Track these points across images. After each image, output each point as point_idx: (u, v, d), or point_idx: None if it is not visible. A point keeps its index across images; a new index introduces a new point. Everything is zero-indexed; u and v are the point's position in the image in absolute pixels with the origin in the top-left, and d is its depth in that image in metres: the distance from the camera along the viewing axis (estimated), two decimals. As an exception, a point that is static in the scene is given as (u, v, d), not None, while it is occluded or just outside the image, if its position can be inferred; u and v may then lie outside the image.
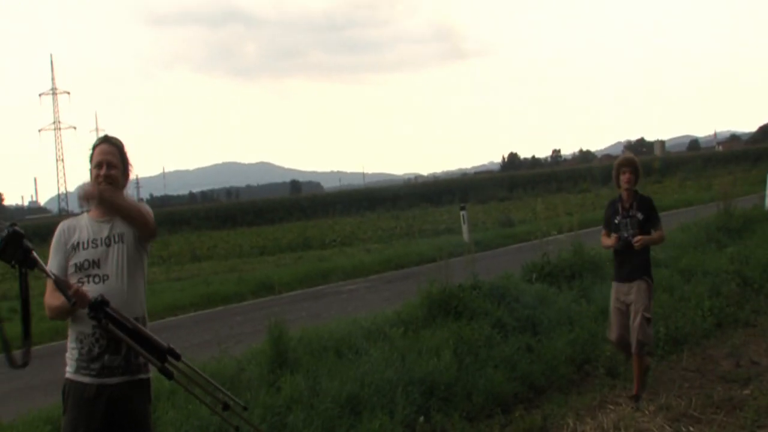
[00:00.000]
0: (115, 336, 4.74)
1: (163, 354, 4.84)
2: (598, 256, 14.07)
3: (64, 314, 4.84)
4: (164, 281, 27.11)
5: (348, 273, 23.81)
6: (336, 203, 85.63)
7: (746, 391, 8.66)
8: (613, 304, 9.02)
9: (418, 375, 8.44)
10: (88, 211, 5.13)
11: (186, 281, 26.00)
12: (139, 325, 4.86)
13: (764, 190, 24.69)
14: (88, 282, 4.91)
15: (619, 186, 9.17)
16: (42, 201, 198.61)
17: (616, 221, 8.99)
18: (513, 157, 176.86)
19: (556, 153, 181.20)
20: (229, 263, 33.34)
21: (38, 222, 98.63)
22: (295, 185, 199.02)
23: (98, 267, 4.97)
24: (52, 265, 4.97)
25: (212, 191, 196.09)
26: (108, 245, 5.03)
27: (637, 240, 8.81)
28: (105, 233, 5.05)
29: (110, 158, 5.10)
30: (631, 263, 8.87)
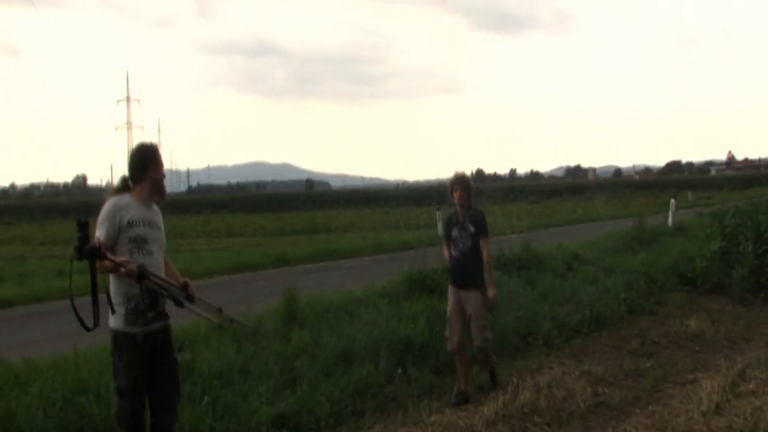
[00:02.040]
0: (155, 290, 5.05)
1: (185, 298, 5.26)
2: (542, 253, 14.06)
3: (110, 273, 5.05)
4: (206, 251, 27.09)
5: (347, 253, 23.75)
6: (340, 199, 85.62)
7: (648, 364, 8.71)
8: (451, 308, 7.92)
9: (398, 336, 8.42)
10: (130, 192, 5.31)
11: (222, 252, 25.97)
12: (167, 280, 5.20)
13: (668, 211, 24.74)
14: (139, 252, 5.11)
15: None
16: (115, 182, 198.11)
17: (453, 234, 7.92)
18: (479, 172, 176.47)
19: (513, 171, 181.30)
20: (256, 240, 33.33)
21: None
22: (309, 183, 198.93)
23: (146, 243, 5.17)
24: (100, 232, 5.07)
25: (245, 183, 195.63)
26: (152, 228, 5.25)
27: (491, 302, 7.88)
28: (150, 217, 5.27)
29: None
30: (467, 273, 7.79)
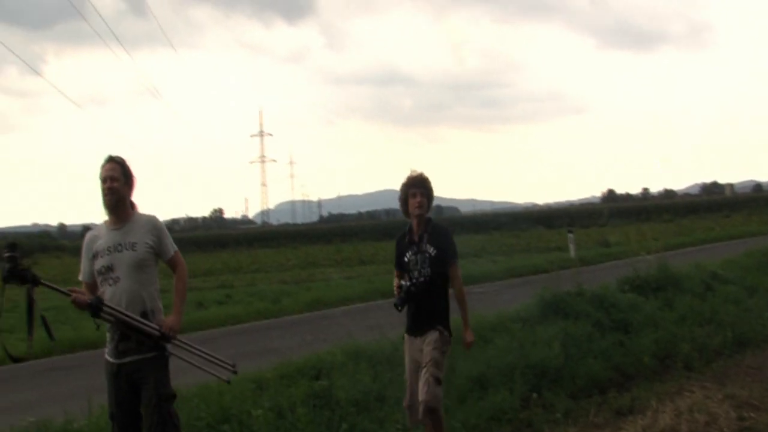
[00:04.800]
0: (111, 323, 4.88)
1: (156, 338, 4.94)
2: (679, 273, 13.67)
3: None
4: (338, 279, 27.43)
5: (478, 279, 23.63)
6: (470, 224, 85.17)
7: (798, 386, 8.30)
8: (407, 362, 6.04)
9: (533, 361, 8.34)
10: (106, 221, 5.13)
11: (354, 279, 26.27)
12: (132, 316, 4.87)
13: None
14: (106, 284, 4.97)
15: (407, 213, 6.05)
16: (250, 215, 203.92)
17: (405, 258, 5.94)
18: (611, 192, 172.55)
19: (645, 190, 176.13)
20: (387, 267, 33.43)
21: (247, 231, 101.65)
22: (438, 209, 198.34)
23: (112, 271, 4.96)
24: (83, 268, 5.10)
25: (375, 211, 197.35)
26: (119, 251, 4.98)
27: (468, 343, 6.21)
28: (117, 241, 5.00)
29: (112, 173, 4.99)
30: (425, 311, 5.88)
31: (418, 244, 5.90)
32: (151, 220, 5.17)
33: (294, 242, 75.82)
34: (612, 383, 8.56)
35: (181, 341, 5.15)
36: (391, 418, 6.84)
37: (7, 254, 4.51)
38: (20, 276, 4.54)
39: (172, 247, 5.20)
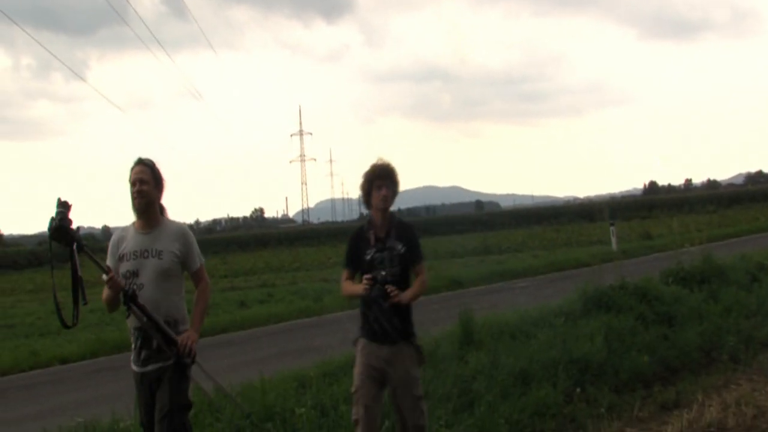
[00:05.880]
0: (138, 318, 4.72)
1: (175, 357, 4.80)
2: (724, 265, 13.49)
3: (111, 304, 4.82)
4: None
5: (519, 273, 23.59)
6: (510, 218, 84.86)
7: None
8: (360, 369, 5.20)
9: (576, 355, 8.29)
10: (134, 224, 5.01)
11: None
12: (160, 322, 4.75)
13: None
14: (130, 288, 4.77)
15: (369, 205, 5.44)
16: (291, 214, 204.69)
17: (368, 256, 5.20)
18: (653, 184, 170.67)
19: (688, 181, 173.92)
20: (428, 263, 33.43)
21: (287, 230, 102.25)
22: (479, 204, 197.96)
23: (137, 276, 4.83)
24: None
25: (415, 208, 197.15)
26: (145, 257, 4.86)
27: (394, 294, 4.99)
28: (144, 246, 4.88)
29: (142, 176, 4.86)
30: (390, 317, 5.13)
31: (385, 240, 5.28)
32: (181, 229, 5.08)
33: (334, 240, 75.91)
34: (656, 377, 8.47)
35: (202, 368, 5.11)
36: (433, 414, 6.82)
37: (58, 210, 4.41)
38: (66, 234, 4.42)
39: (199, 259, 5.12)
